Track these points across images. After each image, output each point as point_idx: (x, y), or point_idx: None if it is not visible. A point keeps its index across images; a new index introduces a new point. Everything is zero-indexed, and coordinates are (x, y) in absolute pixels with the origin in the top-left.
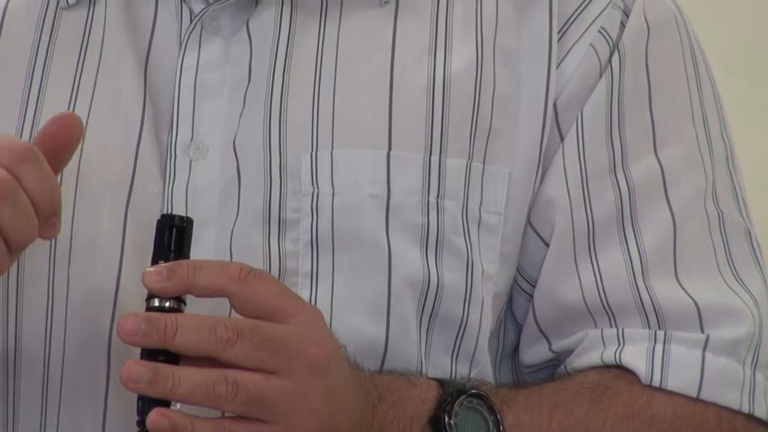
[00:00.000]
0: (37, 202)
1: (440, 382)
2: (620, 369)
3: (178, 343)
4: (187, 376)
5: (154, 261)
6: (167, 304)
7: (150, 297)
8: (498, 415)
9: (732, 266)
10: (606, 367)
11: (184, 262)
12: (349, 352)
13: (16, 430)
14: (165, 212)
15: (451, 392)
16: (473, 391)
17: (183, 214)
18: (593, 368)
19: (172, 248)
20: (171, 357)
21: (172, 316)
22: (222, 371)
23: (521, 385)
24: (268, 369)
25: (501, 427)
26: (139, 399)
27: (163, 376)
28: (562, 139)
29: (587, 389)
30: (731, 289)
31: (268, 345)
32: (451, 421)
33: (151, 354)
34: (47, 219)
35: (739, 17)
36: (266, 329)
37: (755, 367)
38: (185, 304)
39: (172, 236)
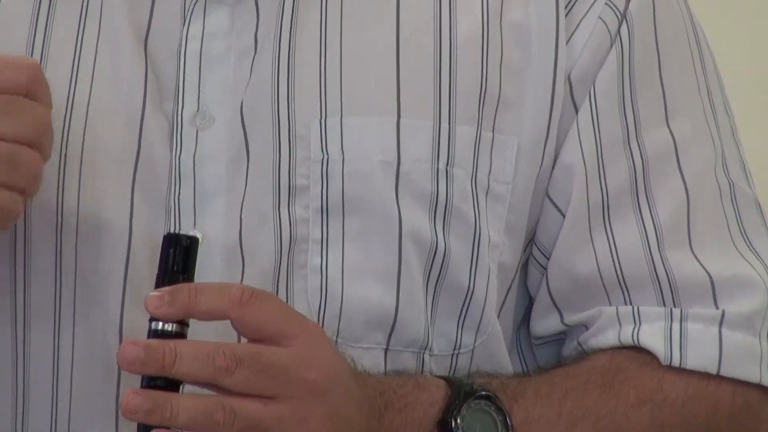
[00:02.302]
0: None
1: (448, 382)
2: (633, 350)
3: (177, 371)
4: (185, 405)
5: (158, 280)
6: (168, 327)
7: (153, 319)
8: (506, 416)
9: (744, 235)
10: (618, 348)
11: (185, 286)
12: (353, 362)
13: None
14: (170, 230)
15: (458, 394)
16: (482, 392)
17: (190, 232)
18: (605, 350)
19: (177, 269)
20: (171, 382)
21: (171, 344)
22: (220, 399)
23: (533, 373)
24: (268, 395)
25: (509, 428)
26: (139, 426)
27: (161, 405)
28: (577, 112)
29: (599, 374)
30: (744, 258)
31: (267, 372)
32: (459, 425)
33: (151, 379)
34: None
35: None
36: (265, 356)
37: None
38: (188, 326)
39: (177, 256)
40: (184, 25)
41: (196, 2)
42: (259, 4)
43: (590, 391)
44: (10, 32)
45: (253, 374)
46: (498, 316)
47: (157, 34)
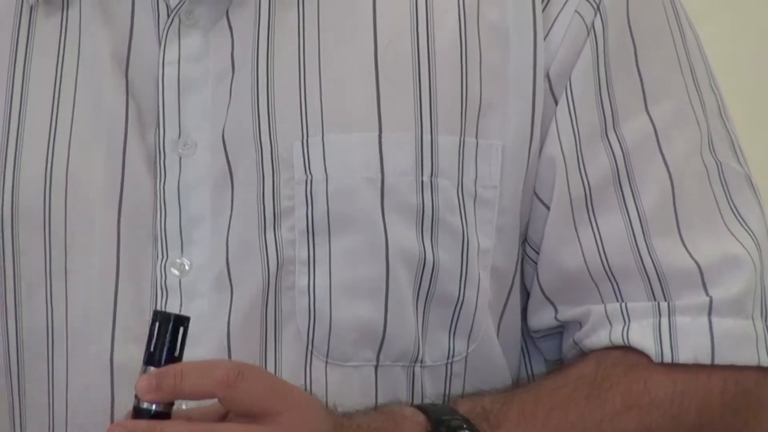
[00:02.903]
0: None
1: (428, 415)
2: (622, 350)
3: None
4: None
5: (147, 359)
6: (154, 407)
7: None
8: None
9: (736, 211)
10: (607, 350)
11: (170, 370)
12: (336, 412)
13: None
14: (158, 308)
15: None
16: (462, 428)
17: (177, 312)
18: (596, 353)
19: (164, 349)
20: None
21: (158, 427)
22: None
23: (518, 390)
24: None
25: None
26: None
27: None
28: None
29: (584, 384)
30: (733, 235)
31: None
32: None
33: None
34: None
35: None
36: None
37: (766, 317)
38: (173, 404)
39: (165, 336)
40: (159, 50)
41: (169, 26)
42: (233, 25)
43: (575, 404)
44: None
45: None
46: (501, 317)
47: (137, 60)
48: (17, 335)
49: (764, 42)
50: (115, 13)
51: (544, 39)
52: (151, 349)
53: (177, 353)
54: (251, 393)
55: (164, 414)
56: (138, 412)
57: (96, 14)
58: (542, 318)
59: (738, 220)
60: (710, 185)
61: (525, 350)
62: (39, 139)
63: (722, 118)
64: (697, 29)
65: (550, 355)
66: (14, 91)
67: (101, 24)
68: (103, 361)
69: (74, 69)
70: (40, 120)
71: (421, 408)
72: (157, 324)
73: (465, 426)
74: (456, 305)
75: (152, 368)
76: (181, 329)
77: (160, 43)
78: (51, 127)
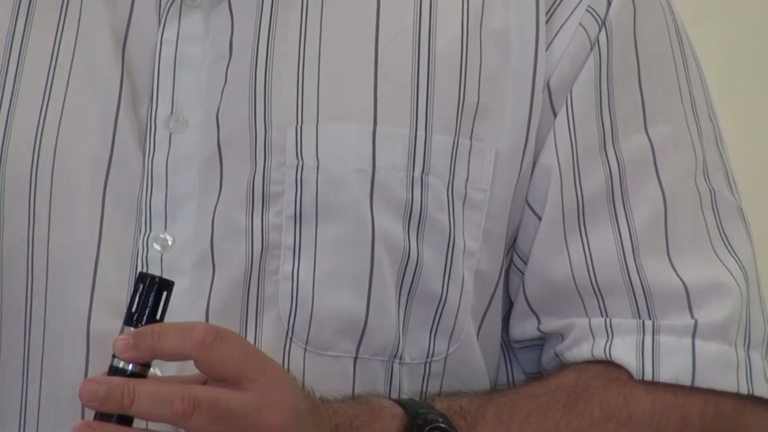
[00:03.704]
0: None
1: (406, 410)
2: (603, 364)
3: (134, 411)
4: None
5: (127, 318)
6: (130, 367)
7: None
8: None
9: (724, 237)
10: (589, 363)
11: (148, 329)
12: (314, 395)
13: None
14: (143, 270)
15: (413, 425)
16: (438, 423)
17: (160, 274)
18: (576, 365)
19: (148, 311)
20: (125, 417)
21: (131, 383)
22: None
23: (498, 391)
24: None
25: None
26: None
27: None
28: (555, 119)
29: (563, 394)
30: (721, 261)
31: (224, 418)
32: None
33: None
34: None
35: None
36: (224, 402)
37: (748, 347)
38: (149, 367)
39: (147, 297)
40: (159, 27)
41: (171, 5)
42: (234, 10)
43: (553, 412)
44: None
45: (211, 420)
46: (482, 321)
47: (135, 38)
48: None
49: (761, 42)
50: None
51: (546, 50)
52: (132, 310)
53: (158, 316)
54: (228, 357)
55: (139, 375)
56: (114, 371)
57: None
58: (525, 328)
59: (727, 247)
60: (702, 211)
61: (507, 359)
62: (31, 108)
63: (718, 148)
64: (695, 29)
65: (528, 366)
66: (10, 62)
67: (102, 3)
68: (80, 328)
69: (72, 44)
70: (33, 91)
71: (399, 402)
72: (141, 285)
73: (441, 420)
74: (438, 304)
75: (131, 329)
76: (165, 293)
77: (159, 22)
78: (44, 98)
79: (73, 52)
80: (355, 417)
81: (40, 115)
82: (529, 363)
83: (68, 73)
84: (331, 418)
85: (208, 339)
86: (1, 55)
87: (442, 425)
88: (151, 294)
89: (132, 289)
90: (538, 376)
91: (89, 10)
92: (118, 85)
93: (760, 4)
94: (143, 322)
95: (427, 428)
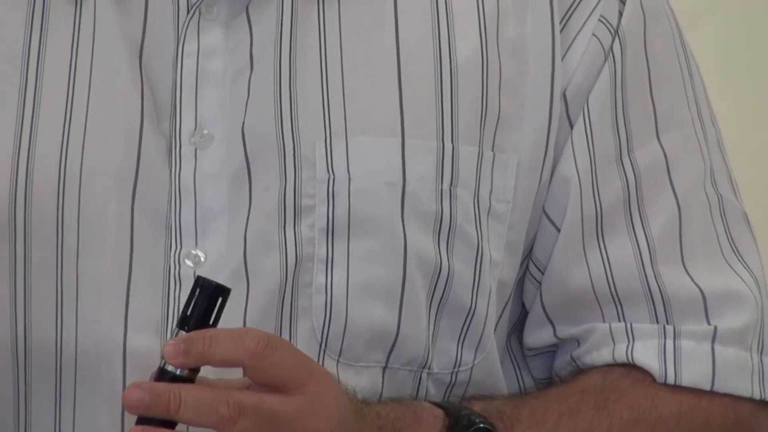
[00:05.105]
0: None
1: (447, 412)
2: (626, 367)
3: (180, 417)
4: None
5: (180, 321)
6: (179, 371)
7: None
8: None
9: (734, 248)
10: (611, 365)
11: (201, 335)
12: (357, 397)
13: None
14: (200, 275)
15: (456, 427)
16: (480, 424)
17: (221, 282)
18: (598, 368)
19: (198, 315)
20: (168, 421)
21: (177, 389)
22: None
23: (528, 394)
24: None
25: None
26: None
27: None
28: (572, 128)
29: (592, 395)
30: (734, 270)
31: (270, 423)
32: None
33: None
34: None
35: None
36: (269, 407)
37: (762, 352)
38: (198, 371)
39: (202, 302)
40: (178, 41)
41: (190, 19)
42: (252, 22)
43: (584, 413)
44: (6, 44)
45: (256, 426)
46: (495, 329)
47: (151, 49)
48: (25, 319)
49: (763, 41)
50: (129, 3)
51: (562, 59)
52: (187, 314)
53: (211, 322)
54: (278, 364)
55: (187, 380)
56: (162, 374)
57: (110, 3)
58: (541, 336)
59: (736, 255)
60: (711, 218)
61: (517, 366)
62: (54, 123)
63: (721, 152)
64: (696, 28)
65: (537, 373)
66: (29, 79)
67: (115, 14)
68: (116, 349)
69: (89, 58)
70: (55, 107)
71: (439, 404)
72: (197, 290)
73: (483, 421)
74: (467, 315)
75: (183, 332)
76: (220, 299)
77: (178, 36)
78: (66, 112)
79: (91, 65)
80: (398, 419)
81: (63, 131)
82: (539, 369)
83: (88, 87)
84: (375, 420)
85: (260, 347)
86: (19, 70)
87: (487, 426)
88: (206, 299)
89: (189, 292)
90: (554, 380)
91: (103, 21)
92: (140, 99)
93: (762, 3)
94: (195, 328)
95: (472, 429)
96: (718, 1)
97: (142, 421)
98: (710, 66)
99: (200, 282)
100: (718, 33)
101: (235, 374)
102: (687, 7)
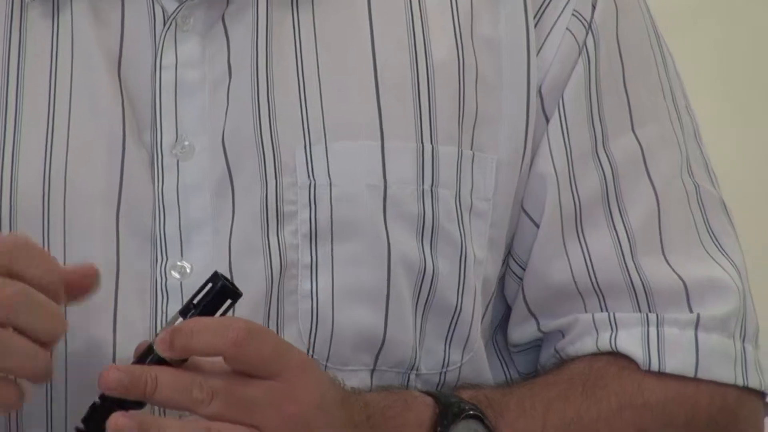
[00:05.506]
0: (46, 288)
1: (436, 400)
2: (611, 355)
3: (156, 399)
4: (168, 424)
5: (183, 309)
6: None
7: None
8: None
9: (713, 236)
10: (596, 354)
11: (184, 327)
12: (344, 386)
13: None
14: (217, 271)
15: (446, 415)
16: (470, 411)
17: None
18: (583, 357)
19: (201, 308)
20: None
21: (153, 372)
22: (205, 422)
23: (515, 383)
24: (247, 425)
25: None
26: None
27: (144, 421)
28: (547, 123)
29: (579, 382)
30: (714, 259)
31: (240, 405)
32: None
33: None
34: (59, 297)
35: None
36: (243, 391)
37: (744, 339)
38: (186, 360)
39: (209, 297)
40: (156, 53)
41: (167, 31)
42: (229, 31)
43: (572, 401)
44: None
45: (227, 407)
46: (480, 327)
47: (129, 61)
48: None
49: (759, 41)
50: (106, 15)
51: (537, 54)
52: (193, 302)
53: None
54: (256, 353)
55: (164, 362)
56: (138, 359)
57: (87, 15)
58: (525, 332)
59: (715, 244)
60: (690, 208)
61: (503, 362)
62: (36, 135)
63: (697, 141)
64: (694, 29)
65: (523, 368)
66: (9, 93)
67: (92, 27)
68: (106, 361)
69: (68, 69)
70: (36, 116)
71: (428, 392)
72: (210, 284)
73: (474, 408)
74: (454, 315)
75: (181, 319)
76: (229, 301)
77: (155, 47)
78: (48, 124)
79: (71, 77)
80: (387, 408)
81: (46, 143)
82: (525, 365)
83: (69, 100)
84: (363, 409)
85: (241, 338)
86: None
87: (477, 413)
88: (215, 297)
89: (203, 283)
90: (545, 369)
91: (80, 34)
92: (121, 112)
93: (759, 4)
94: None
95: (462, 416)
96: (713, 1)
97: (103, 399)
98: (706, 66)
99: (214, 277)
100: (714, 34)
101: None
102: (683, 8)
